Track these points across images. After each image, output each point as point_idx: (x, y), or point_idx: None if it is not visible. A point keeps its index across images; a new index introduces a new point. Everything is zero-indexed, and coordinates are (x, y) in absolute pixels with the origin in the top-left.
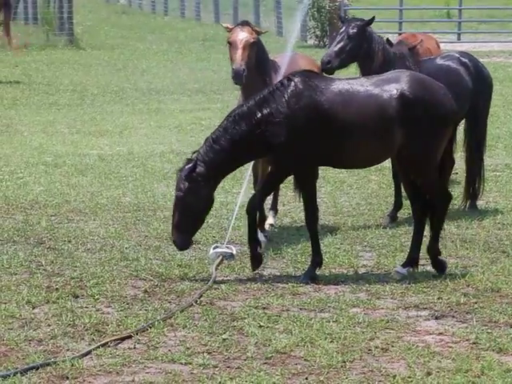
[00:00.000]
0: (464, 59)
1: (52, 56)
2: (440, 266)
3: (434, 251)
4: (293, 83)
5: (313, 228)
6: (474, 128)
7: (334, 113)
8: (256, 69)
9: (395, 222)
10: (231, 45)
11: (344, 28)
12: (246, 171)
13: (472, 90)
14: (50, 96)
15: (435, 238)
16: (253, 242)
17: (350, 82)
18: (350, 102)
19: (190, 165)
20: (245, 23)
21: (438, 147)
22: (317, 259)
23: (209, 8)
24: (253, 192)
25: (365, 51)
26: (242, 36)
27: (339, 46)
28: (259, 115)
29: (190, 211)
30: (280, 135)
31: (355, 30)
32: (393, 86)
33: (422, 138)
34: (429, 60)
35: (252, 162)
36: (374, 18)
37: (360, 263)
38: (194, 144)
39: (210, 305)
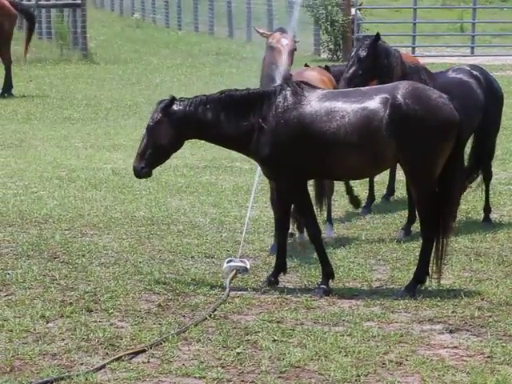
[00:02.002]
0: (475, 72)
1: (66, 70)
2: (411, 291)
3: (418, 277)
4: (283, 94)
5: (316, 240)
6: (485, 141)
7: (319, 125)
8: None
9: (409, 236)
10: (275, 49)
11: (354, 51)
12: (253, 185)
13: (483, 102)
14: (64, 110)
15: (421, 264)
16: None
17: (341, 93)
18: (336, 113)
19: (169, 100)
20: (283, 30)
21: (435, 159)
22: (327, 270)
23: (222, 22)
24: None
25: (383, 68)
26: (287, 42)
27: (351, 71)
28: (249, 115)
29: (156, 143)
30: (265, 146)
31: (365, 53)
32: (384, 96)
33: (417, 149)
34: (441, 73)
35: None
36: (378, 34)
37: (374, 277)
38: (208, 158)
39: (223, 319)
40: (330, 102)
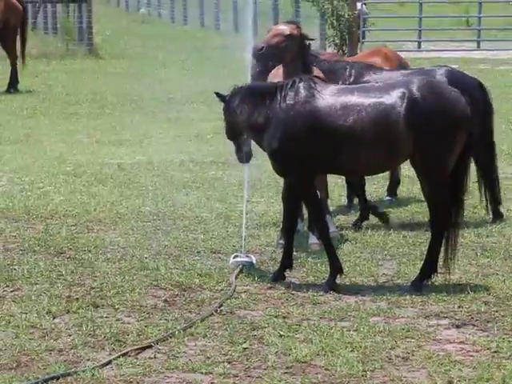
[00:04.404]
0: (440, 75)
1: (71, 65)
2: (417, 287)
3: (425, 272)
4: (295, 87)
5: (324, 236)
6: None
7: (333, 119)
8: (295, 70)
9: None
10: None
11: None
12: (244, 180)
13: None
14: (70, 105)
15: (429, 260)
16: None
17: (355, 88)
18: (351, 107)
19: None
20: (292, 22)
21: (450, 153)
22: (335, 266)
23: (228, 17)
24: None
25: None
26: (280, 26)
27: None
28: (263, 106)
29: None
30: (275, 139)
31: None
32: (400, 90)
33: (434, 143)
34: (390, 71)
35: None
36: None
37: (380, 272)
38: (214, 153)
39: (230, 314)
40: (345, 96)
